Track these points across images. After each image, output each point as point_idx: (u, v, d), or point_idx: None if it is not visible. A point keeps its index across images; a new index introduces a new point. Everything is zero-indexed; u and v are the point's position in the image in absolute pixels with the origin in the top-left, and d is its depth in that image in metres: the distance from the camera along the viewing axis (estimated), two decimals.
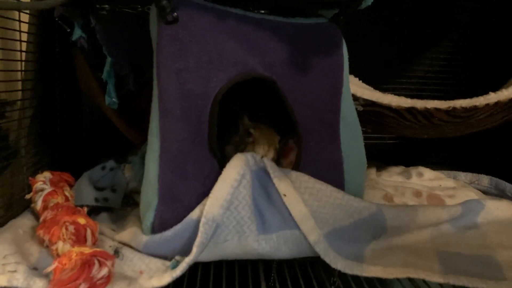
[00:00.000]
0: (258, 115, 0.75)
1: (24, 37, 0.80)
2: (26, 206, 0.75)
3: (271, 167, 0.65)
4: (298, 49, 0.68)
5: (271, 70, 0.67)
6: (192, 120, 0.63)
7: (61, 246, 0.59)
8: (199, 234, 0.57)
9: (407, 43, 1.18)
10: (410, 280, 0.61)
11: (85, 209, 0.67)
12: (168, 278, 0.54)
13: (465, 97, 0.81)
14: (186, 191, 0.63)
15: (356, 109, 0.76)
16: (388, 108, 0.84)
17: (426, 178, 0.99)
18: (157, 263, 0.59)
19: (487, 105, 0.79)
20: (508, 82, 0.91)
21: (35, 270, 0.55)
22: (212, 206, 0.59)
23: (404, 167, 1.07)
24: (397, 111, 0.84)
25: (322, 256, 0.61)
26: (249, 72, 0.66)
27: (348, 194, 0.67)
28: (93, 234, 0.62)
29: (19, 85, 0.80)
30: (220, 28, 0.65)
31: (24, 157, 0.80)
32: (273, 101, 0.70)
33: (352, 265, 0.61)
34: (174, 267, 0.57)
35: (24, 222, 0.69)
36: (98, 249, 0.54)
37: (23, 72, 0.81)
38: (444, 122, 0.86)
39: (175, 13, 0.59)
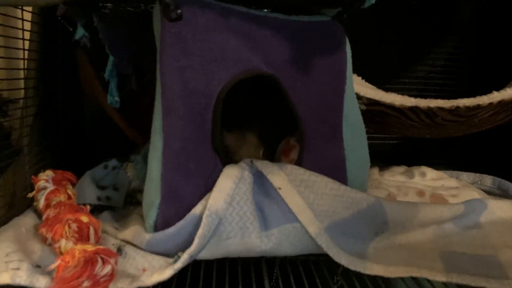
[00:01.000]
0: (260, 113, 0.75)
1: (27, 35, 0.80)
2: (28, 204, 0.75)
3: (261, 165, 0.66)
4: (301, 47, 0.68)
5: (274, 67, 0.67)
6: (196, 118, 0.63)
7: (64, 244, 0.58)
8: (202, 226, 0.57)
9: (409, 42, 1.18)
10: (414, 279, 0.61)
11: (88, 207, 0.67)
12: (169, 271, 0.54)
13: (467, 97, 0.81)
14: (189, 189, 0.63)
15: (359, 108, 0.75)
16: (392, 107, 0.83)
17: (429, 178, 0.98)
18: (160, 260, 0.59)
19: (490, 104, 0.79)
20: None
21: (38, 267, 0.55)
22: (215, 199, 0.59)
23: (406, 167, 1.07)
24: (401, 111, 0.84)
25: (325, 249, 0.60)
26: (252, 70, 0.66)
27: (344, 185, 0.67)
28: (96, 232, 0.62)
29: (21, 84, 0.80)
30: (223, 26, 0.65)
31: (26, 155, 0.80)
32: (276, 98, 0.70)
33: (355, 262, 0.60)
34: (176, 262, 0.57)
35: (27, 220, 0.69)
36: (101, 247, 0.54)
37: (25, 71, 0.81)
38: (447, 122, 0.86)
39: (179, 10, 0.58)
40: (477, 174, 1.04)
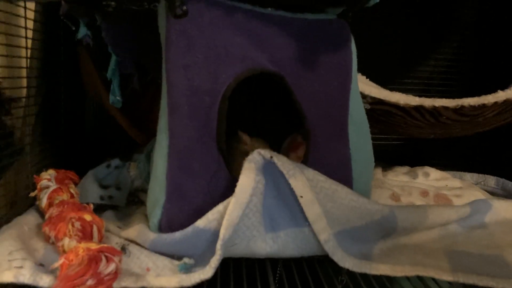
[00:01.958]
0: (266, 110, 0.74)
1: (30, 34, 0.80)
2: (30, 204, 0.74)
3: (283, 165, 0.62)
4: (306, 45, 0.68)
5: (279, 65, 0.67)
6: (201, 117, 0.63)
7: (67, 242, 0.58)
8: (217, 253, 0.55)
9: (411, 42, 1.18)
10: (419, 278, 0.61)
11: (91, 205, 0.66)
12: (176, 284, 0.54)
13: (470, 97, 0.81)
14: (193, 189, 0.63)
15: (364, 107, 0.75)
16: (396, 106, 0.83)
17: (433, 178, 0.98)
18: (164, 261, 0.58)
19: (495, 103, 0.78)
20: None
21: (41, 266, 0.54)
22: (227, 228, 0.57)
23: (409, 167, 1.06)
24: (405, 110, 0.84)
25: (330, 255, 0.60)
26: (257, 68, 0.65)
27: (363, 197, 0.66)
28: (99, 230, 0.61)
29: (24, 82, 0.80)
30: (228, 23, 0.64)
31: (28, 154, 0.79)
32: (281, 96, 0.69)
33: (360, 264, 0.60)
34: (182, 269, 0.57)
35: (29, 219, 0.69)
36: (105, 245, 0.53)
37: (28, 69, 0.81)
38: (452, 121, 0.86)
39: (185, 7, 0.58)
40: (481, 175, 1.04)
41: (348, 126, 0.69)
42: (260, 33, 0.66)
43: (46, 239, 0.62)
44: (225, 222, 0.57)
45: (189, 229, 0.59)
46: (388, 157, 1.14)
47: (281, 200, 0.62)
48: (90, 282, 0.49)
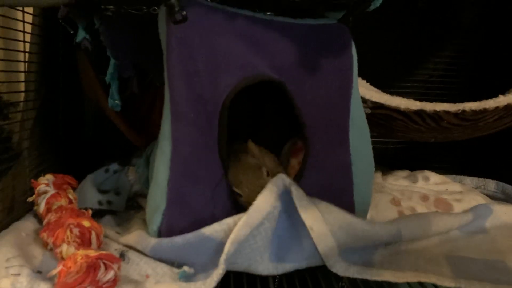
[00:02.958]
0: (266, 115, 0.73)
1: (28, 38, 0.80)
2: (28, 209, 0.74)
3: (297, 196, 0.61)
4: (307, 50, 0.67)
5: (280, 71, 0.66)
6: (204, 125, 0.62)
7: (66, 249, 0.58)
8: (220, 266, 0.55)
9: (412, 46, 1.18)
10: (421, 284, 0.60)
11: (90, 211, 0.66)
12: None
13: (470, 101, 0.81)
14: (195, 196, 0.63)
15: (364, 112, 0.75)
16: (397, 111, 0.83)
17: (433, 182, 0.98)
18: (164, 268, 0.58)
19: (496, 108, 0.78)
20: None
21: (39, 273, 0.54)
22: (233, 243, 0.56)
23: (409, 171, 1.06)
24: (406, 114, 0.84)
25: (330, 267, 0.60)
26: (257, 76, 0.65)
27: (376, 224, 0.65)
28: (98, 237, 0.61)
29: (22, 86, 0.80)
30: (229, 30, 0.64)
31: (26, 159, 0.79)
32: (282, 101, 0.69)
33: (361, 270, 0.60)
34: (182, 277, 0.56)
35: (27, 225, 0.68)
36: (104, 252, 0.53)
37: (26, 73, 0.80)
38: (453, 125, 0.85)
39: (184, 12, 0.58)
40: (481, 179, 1.04)
41: (349, 130, 0.69)
42: (260, 39, 0.65)
43: (44, 245, 0.62)
44: (231, 236, 0.56)
45: (193, 234, 0.59)
46: (388, 161, 1.13)
47: (294, 237, 0.61)
48: None
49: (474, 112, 0.79)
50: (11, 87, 0.77)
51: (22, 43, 0.78)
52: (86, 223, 0.61)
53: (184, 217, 0.61)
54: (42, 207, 0.69)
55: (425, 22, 1.17)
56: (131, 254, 0.60)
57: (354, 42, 0.70)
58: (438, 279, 0.58)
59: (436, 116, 0.82)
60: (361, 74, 0.80)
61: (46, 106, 0.87)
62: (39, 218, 0.70)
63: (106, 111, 0.90)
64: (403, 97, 0.86)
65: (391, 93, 0.87)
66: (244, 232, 0.57)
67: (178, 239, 0.59)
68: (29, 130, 0.80)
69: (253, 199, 0.61)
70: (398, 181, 0.99)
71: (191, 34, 0.61)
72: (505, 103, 0.77)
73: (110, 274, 0.51)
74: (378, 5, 0.66)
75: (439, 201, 0.89)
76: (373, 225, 0.65)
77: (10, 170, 0.73)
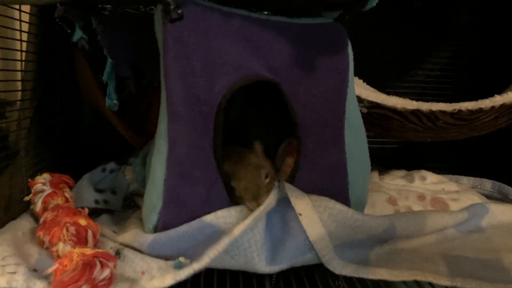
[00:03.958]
0: (262, 114, 0.73)
1: (25, 37, 0.80)
2: (24, 208, 0.74)
3: (289, 188, 0.65)
4: (303, 49, 0.67)
5: (276, 71, 0.66)
6: (200, 125, 0.62)
7: (62, 247, 0.58)
8: (221, 244, 0.56)
9: (408, 46, 1.18)
10: (417, 283, 0.60)
11: (86, 210, 0.66)
12: (170, 280, 0.53)
13: (465, 101, 0.81)
14: (192, 196, 0.63)
15: (361, 111, 0.75)
16: (393, 110, 0.83)
17: (429, 182, 0.98)
18: (159, 262, 0.58)
19: (492, 107, 0.78)
20: None
21: (35, 271, 0.54)
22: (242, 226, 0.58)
23: (406, 171, 1.06)
24: (402, 114, 0.84)
25: (326, 265, 0.61)
26: (252, 76, 0.65)
27: (367, 215, 0.66)
28: (94, 235, 0.61)
29: (19, 85, 0.79)
30: (225, 30, 0.63)
31: (23, 158, 0.79)
32: (278, 100, 0.69)
33: (357, 269, 0.60)
34: (176, 267, 0.56)
35: (23, 224, 0.68)
36: (100, 250, 0.53)
37: (23, 72, 0.80)
38: (449, 125, 0.85)
39: (180, 10, 0.58)
40: (477, 178, 1.04)
41: (344, 130, 0.69)
42: (257, 39, 0.65)
43: (40, 244, 0.62)
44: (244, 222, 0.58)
45: (186, 225, 0.60)
46: (384, 160, 1.13)
47: (287, 233, 0.63)
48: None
49: (470, 111, 0.79)
50: (8, 86, 0.77)
51: (19, 42, 0.78)
52: (83, 222, 0.61)
53: (180, 217, 0.62)
54: (38, 206, 0.69)
55: (421, 22, 1.18)
56: (127, 252, 0.60)
57: (350, 41, 0.70)
58: (435, 277, 0.58)
59: (432, 115, 0.82)
60: (358, 74, 0.80)
61: (43, 105, 0.87)
62: (36, 217, 0.70)
63: (103, 110, 0.90)
64: (400, 96, 0.86)
65: (388, 93, 0.87)
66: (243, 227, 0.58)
67: (173, 232, 0.60)
68: (26, 129, 0.80)
69: (246, 195, 0.63)
70: (394, 180, 0.99)
71: (187, 33, 0.61)
72: (501, 103, 0.78)
73: (106, 272, 0.51)
74: (374, 4, 0.66)
75: (435, 200, 0.89)
76: (364, 215, 0.65)
77: (6, 169, 0.73)
